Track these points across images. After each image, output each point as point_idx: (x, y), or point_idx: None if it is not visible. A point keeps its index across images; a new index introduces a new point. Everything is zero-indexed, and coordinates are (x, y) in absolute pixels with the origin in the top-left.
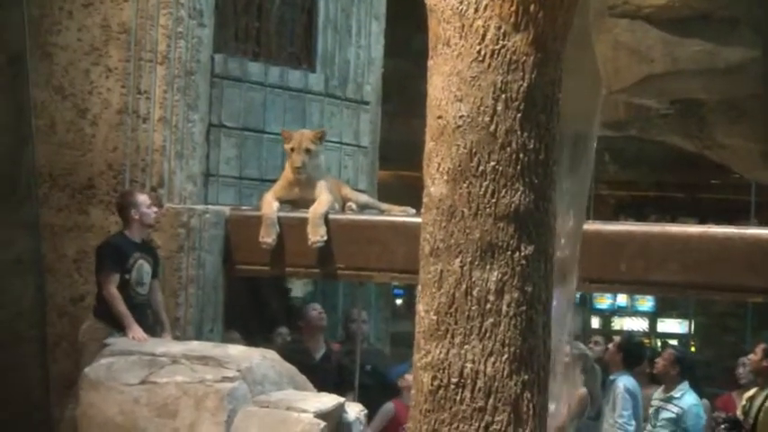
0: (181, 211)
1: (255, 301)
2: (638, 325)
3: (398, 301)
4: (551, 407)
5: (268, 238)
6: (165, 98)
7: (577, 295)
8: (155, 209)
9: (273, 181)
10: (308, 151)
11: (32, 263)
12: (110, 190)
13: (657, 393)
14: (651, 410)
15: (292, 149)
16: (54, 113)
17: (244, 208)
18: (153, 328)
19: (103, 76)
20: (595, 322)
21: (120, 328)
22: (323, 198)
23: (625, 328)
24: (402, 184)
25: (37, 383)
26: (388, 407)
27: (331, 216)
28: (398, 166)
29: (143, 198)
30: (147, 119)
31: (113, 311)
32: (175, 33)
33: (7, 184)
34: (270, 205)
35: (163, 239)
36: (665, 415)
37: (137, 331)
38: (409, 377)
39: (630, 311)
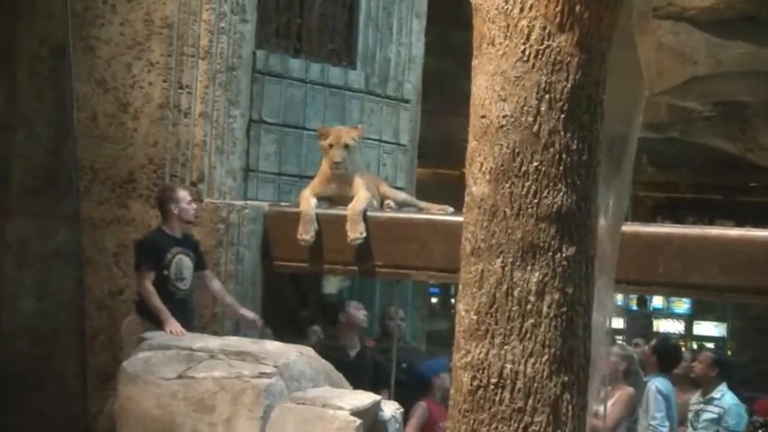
0: (220, 206)
1: (290, 297)
2: (674, 327)
3: (434, 300)
4: (598, 408)
5: (306, 234)
6: (206, 93)
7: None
8: (194, 205)
9: (312, 177)
10: (346, 147)
11: (72, 256)
12: (150, 184)
13: (695, 397)
14: (690, 414)
15: (330, 145)
16: (96, 107)
17: (282, 204)
18: (192, 323)
19: (145, 70)
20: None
21: (158, 323)
22: (361, 195)
23: (661, 331)
24: (440, 182)
25: (75, 376)
26: (422, 407)
27: (369, 213)
28: (436, 164)
29: (183, 194)
30: (188, 114)
31: (149, 306)
32: (218, 29)
33: (49, 177)
34: (308, 202)
35: (202, 235)
36: (706, 416)
37: (173, 325)
38: (444, 376)
39: (666, 313)
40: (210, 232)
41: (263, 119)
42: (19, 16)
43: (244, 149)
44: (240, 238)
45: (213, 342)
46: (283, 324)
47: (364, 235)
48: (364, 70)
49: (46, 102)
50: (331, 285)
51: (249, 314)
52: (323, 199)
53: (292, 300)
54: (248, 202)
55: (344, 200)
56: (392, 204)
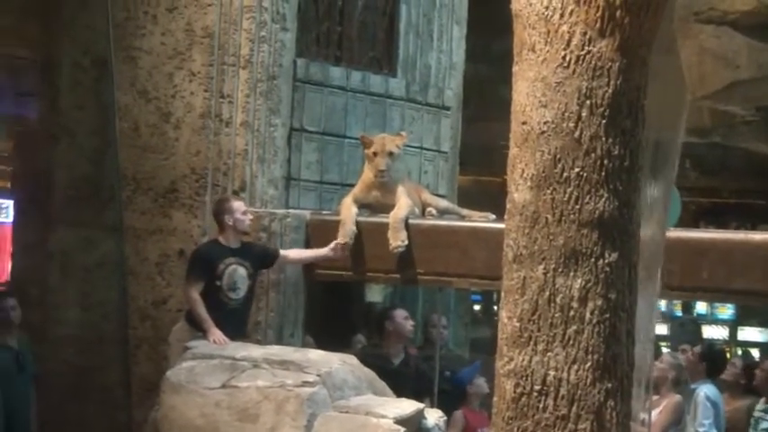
0: (262, 215)
1: (333, 305)
2: (718, 333)
3: (476, 307)
4: (644, 416)
5: (346, 237)
6: (247, 102)
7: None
8: (249, 215)
9: (354, 185)
10: (391, 155)
11: (116, 265)
12: (192, 194)
13: (760, 405)
14: (752, 421)
15: (375, 153)
16: (138, 117)
17: (324, 212)
18: (243, 333)
19: (187, 79)
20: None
21: (203, 331)
22: (403, 203)
23: (706, 337)
24: (481, 189)
25: (118, 385)
26: (459, 416)
27: (411, 221)
28: (478, 171)
29: (238, 204)
30: (229, 123)
31: (194, 315)
32: (258, 38)
33: (91, 187)
34: (348, 209)
35: None
36: (764, 425)
37: (216, 334)
38: (478, 381)
39: (710, 319)
40: (253, 241)
41: (304, 127)
42: (61, 27)
43: (285, 158)
44: (282, 247)
45: (256, 351)
46: (327, 332)
47: (406, 243)
48: (405, 78)
49: (88, 112)
50: (374, 293)
51: (333, 246)
52: (364, 206)
53: (335, 308)
54: (290, 210)
55: (386, 207)
56: (434, 212)
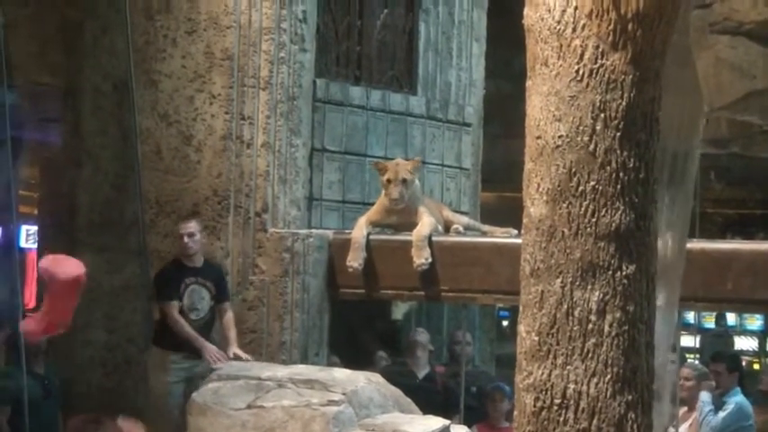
0: (285, 235)
1: (357, 324)
2: (747, 344)
3: (504, 323)
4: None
5: (354, 262)
6: (268, 123)
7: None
8: (197, 237)
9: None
10: (404, 182)
11: (140, 288)
12: (215, 215)
13: None
14: None
15: (389, 180)
16: (159, 140)
17: (347, 232)
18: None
19: (207, 102)
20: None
21: (178, 349)
22: (425, 220)
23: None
24: (504, 205)
25: (145, 407)
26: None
27: (434, 238)
28: (500, 187)
29: (183, 226)
30: (250, 144)
31: (182, 336)
32: (278, 59)
33: (115, 211)
34: (360, 229)
35: (267, 264)
36: None
37: (211, 351)
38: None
39: (739, 330)
40: (276, 262)
41: (325, 147)
42: (82, 52)
43: (307, 178)
44: (306, 267)
45: (281, 371)
46: (351, 351)
47: (430, 260)
48: (425, 95)
49: (110, 137)
50: (399, 311)
51: (240, 353)
52: (385, 226)
53: (360, 327)
54: (313, 230)
55: (407, 227)
56: (460, 229)
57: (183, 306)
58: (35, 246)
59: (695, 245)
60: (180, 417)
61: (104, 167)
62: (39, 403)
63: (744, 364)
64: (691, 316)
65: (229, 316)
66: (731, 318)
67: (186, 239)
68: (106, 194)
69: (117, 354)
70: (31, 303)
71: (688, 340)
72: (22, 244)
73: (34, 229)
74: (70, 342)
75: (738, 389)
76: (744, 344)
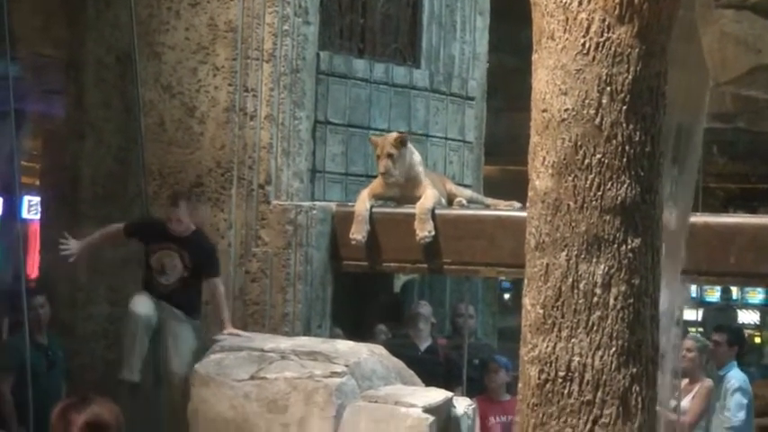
0: (288, 207)
1: (359, 296)
2: (748, 318)
3: (506, 296)
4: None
5: (358, 234)
6: (271, 96)
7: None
8: (182, 223)
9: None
10: (390, 156)
11: (140, 261)
12: (218, 188)
13: None
14: None
15: (378, 156)
16: (162, 112)
17: (350, 204)
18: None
19: (211, 74)
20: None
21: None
22: (429, 193)
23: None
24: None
25: (147, 379)
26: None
27: (437, 211)
28: (504, 160)
29: (173, 210)
30: (254, 116)
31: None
32: (281, 31)
33: (118, 183)
34: (363, 202)
35: (270, 236)
36: None
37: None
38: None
39: (741, 304)
40: (279, 234)
41: (328, 120)
42: (85, 25)
43: (310, 151)
44: (308, 240)
45: (284, 343)
46: (354, 323)
47: (433, 233)
48: (428, 69)
49: (113, 109)
50: (401, 284)
51: (237, 331)
52: (388, 199)
53: (362, 299)
54: (316, 203)
55: (411, 200)
56: (464, 202)
57: (152, 264)
58: (37, 217)
59: (698, 219)
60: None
61: (107, 140)
62: (42, 374)
63: (746, 337)
64: (693, 289)
65: (219, 292)
66: (732, 292)
67: (173, 223)
68: (109, 167)
69: (120, 326)
70: (33, 274)
71: (690, 314)
72: (24, 215)
73: (36, 200)
74: (73, 314)
75: (735, 363)
76: (746, 317)
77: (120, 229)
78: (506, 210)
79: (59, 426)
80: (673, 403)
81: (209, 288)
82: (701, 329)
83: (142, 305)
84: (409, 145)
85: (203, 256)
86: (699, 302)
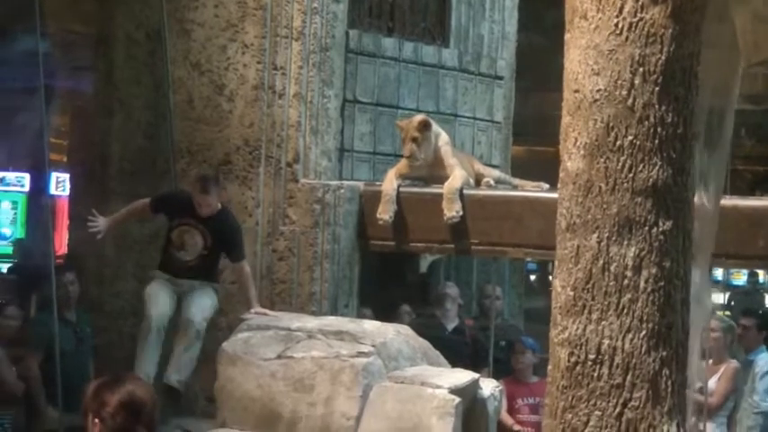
0: (316, 186)
1: (385, 276)
2: None
3: (532, 277)
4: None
5: (385, 214)
6: (300, 74)
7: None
8: (207, 207)
9: None
10: (414, 140)
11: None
12: (246, 165)
13: None
14: None
15: (403, 140)
16: (191, 89)
17: (377, 183)
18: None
19: (240, 52)
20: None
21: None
22: (457, 173)
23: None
24: (535, 159)
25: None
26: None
27: (465, 191)
28: (531, 141)
29: (198, 195)
30: (282, 95)
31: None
32: (311, 9)
33: (146, 159)
34: (390, 182)
35: (298, 215)
36: None
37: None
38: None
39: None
40: (306, 212)
41: (357, 98)
42: (115, 1)
43: (338, 129)
44: (336, 218)
45: (311, 322)
46: (379, 304)
47: (461, 213)
48: (457, 48)
49: (143, 86)
50: (428, 264)
51: (264, 310)
52: (415, 179)
53: (388, 279)
54: (343, 182)
55: (438, 180)
56: (491, 182)
57: (173, 240)
58: (65, 193)
59: (727, 201)
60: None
61: (136, 116)
62: (71, 351)
63: None
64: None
65: (246, 273)
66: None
67: (203, 208)
68: (138, 143)
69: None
70: (61, 250)
71: (716, 297)
72: (52, 191)
73: (64, 176)
74: (101, 291)
75: (764, 347)
76: None
77: (147, 204)
78: (534, 191)
79: (93, 405)
80: (698, 384)
81: (236, 270)
82: (727, 313)
83: (157, 304)
84: (434, 127)
85: (226, 236)
86: (725, 286)
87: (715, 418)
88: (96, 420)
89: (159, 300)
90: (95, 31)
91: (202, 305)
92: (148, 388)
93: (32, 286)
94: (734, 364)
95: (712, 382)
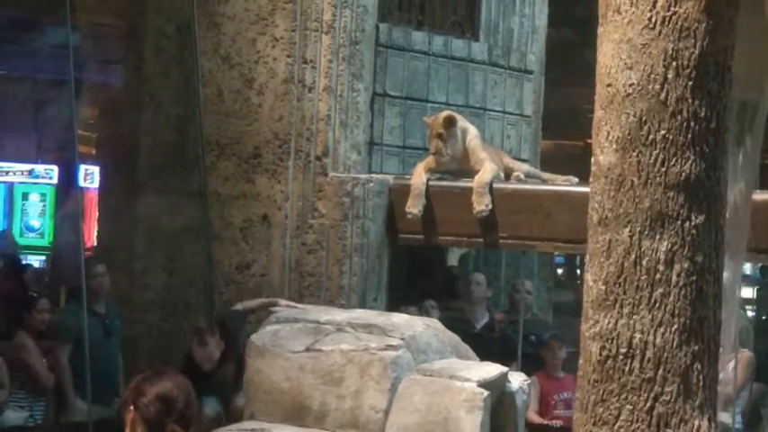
0: (345, 179)
1: (413, 270)
2: None
3: (559, 271)
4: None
5: (414, 208)
6: (330, 67)
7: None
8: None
9: None
10: (439, 136)
11: (200, 231)
12: (275, 159)
13: None
14: None
15: (429, 135)
16: (221, 83)
17: (407, 177)
18: None
19: (270, 45)
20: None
21: None
22: (487, 167)
23: None
24: (564, 153)
25: None
26: (533, 381)
27: (495, 185)
28: (560, 135)
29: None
30: (312, 88)
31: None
32: (341, 2)
33: (176, 153)
34: (419, 176)
35: (327, 208)
36: None
37: None
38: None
39: None
40: (336, 206)
41: (386, 92)
42: None
43: (368, 123)
44: (365, 212)
45: (340, 315)
46: (407, 297)
47: (490, 207)
48: (487, 42)
49: (172, 79)
50: (456, 257)
51: (290, 303)
52: (444, 173)
53: (416, 273)
54: (373, 175)
55: (467, 174)
56: (521, 176)
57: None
58: (93, 186)
59: (758, 196)
60: None
61: (166, 109)
62: (99, 342)
63: None
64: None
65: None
66: None
67: (203, 363)
68: (167, 136)
69: (177, 296)
70: (89, 242)
71: (745, 291)
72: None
73: (92, 169)
74: (130, 283)
75: None
76: None
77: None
78: (564, 185)
79: (131, 395)
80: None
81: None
82: (755, 307)
83: None
84: (461, 122)
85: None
86: (754, 280)
87: (729, 408)
88: (132, 408)
89: None
90: (125, 25)
91: None
92: (186, 386)
93: (62, 278)
94: (747, 353)
95: (726, 373)
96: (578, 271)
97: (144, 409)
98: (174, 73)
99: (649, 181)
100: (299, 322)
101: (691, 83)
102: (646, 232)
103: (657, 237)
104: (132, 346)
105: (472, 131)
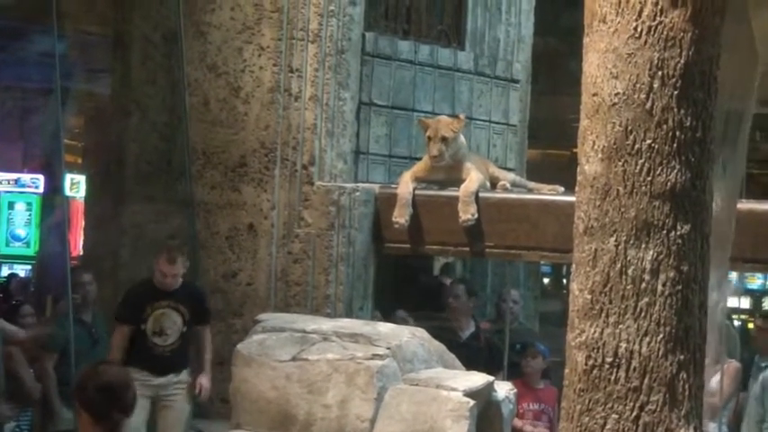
0: (331, 188)
1: (398, 278)
2: None
3: (546, 280)
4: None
5: (401, 218)
6: (316, 76)
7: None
8: (173, 278)
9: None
10: (444, 140)
11: (187, 239)
12: (261, 168)
13: None
14: None
15: (429, 138)
16: (207, 91)
17: (393, 186)
18: (176, 378)
19: (256, 54)
20: (746, 303)
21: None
22: (473, 176)
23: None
24: (550, 162)
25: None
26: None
27: (481, 194)
28: (546, 144)
29: (163, 264)
30: (298, 97)
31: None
32: (327, 12)
33: (162, 161)
34: (406, 185)
35: (313, 217)
36: None
37: None
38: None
39: None
40: (322, 215)
41: (372, 101)
42: (131, 2)
43: (354, 132)
44: (351, 221)
45: (326, 324)
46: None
47: (476, 216)
48: (473, 51)
49: (159, 87)
50: (440, 266)
51: (204, 383)
52: (431, 182)
53: (400, 282)
54: (359, 184)
55: (454, 183)
56: (507, 185)
57: (147, 330)
58: (79, 195)
59: (743, 206)
60: None
61: (152, 118)
62: (86, 351)
63: None
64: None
65: (207, 338)
66: None
67: (169, 279)
68: (154, 144)
69: None
70: (76, 251)
71: (732, 301)
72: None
73: (78, 178)
74: (116, 292)
75: None
76: None
77: (118, 325)
78: (550, 194)
79: (76, 393)
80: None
81: (201, 333)
82: (743, 317)
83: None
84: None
85: (200, 305)
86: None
87: (715, 419)
88: (79, 407)
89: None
90: (112, 33)
91: (181, 419)
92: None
93: (49, 287)
94: (734, 364)
95: (713, 383)
96: (565, 280)
97: (89, 406)
98: (160, 82)
99: (635, 190)
100: (285, 331)
101: (676, 92)
102: (631, 241)
103: (643, 246)
104: None
105: (461, 140)
